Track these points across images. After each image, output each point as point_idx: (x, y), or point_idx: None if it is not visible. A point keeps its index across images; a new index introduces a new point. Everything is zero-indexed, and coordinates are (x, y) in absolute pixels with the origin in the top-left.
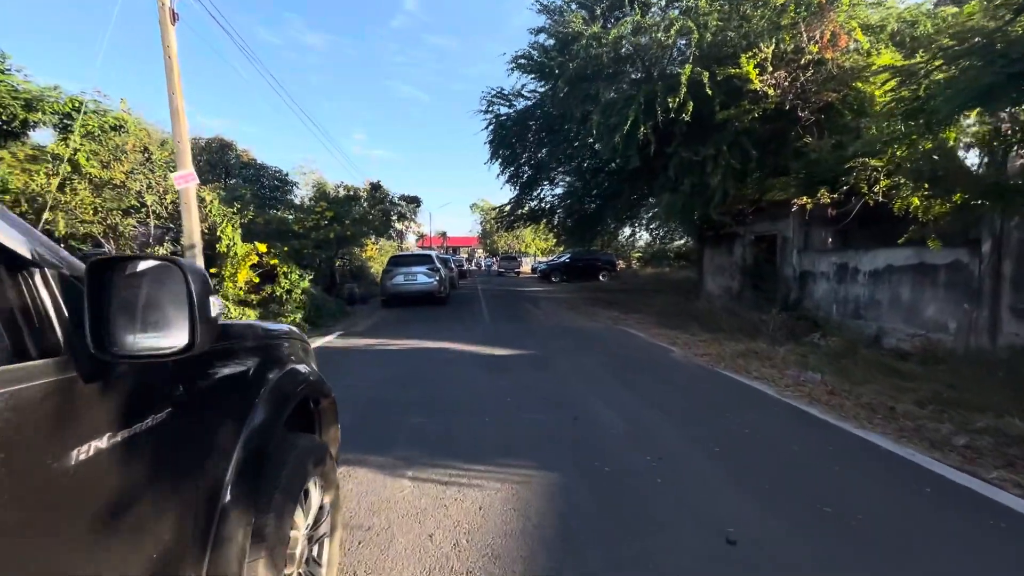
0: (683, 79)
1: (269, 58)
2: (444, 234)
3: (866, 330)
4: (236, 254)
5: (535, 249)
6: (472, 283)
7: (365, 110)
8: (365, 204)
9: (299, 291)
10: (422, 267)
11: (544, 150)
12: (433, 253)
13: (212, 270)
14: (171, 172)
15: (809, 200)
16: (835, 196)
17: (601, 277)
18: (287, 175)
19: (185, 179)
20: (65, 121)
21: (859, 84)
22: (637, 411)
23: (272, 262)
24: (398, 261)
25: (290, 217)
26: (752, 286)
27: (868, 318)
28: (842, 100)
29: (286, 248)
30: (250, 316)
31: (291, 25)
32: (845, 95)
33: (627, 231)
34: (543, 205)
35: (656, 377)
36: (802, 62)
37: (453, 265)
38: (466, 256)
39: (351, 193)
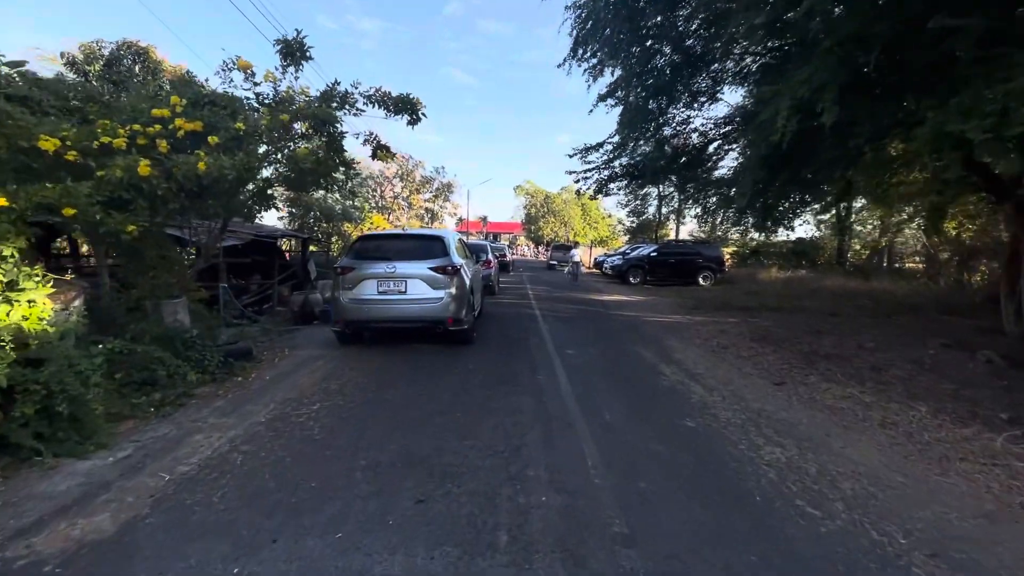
0: None
1: (326, 43)
2: (485, 218)
3: None
4: None
5: (590, 238)
6: (518, 279)
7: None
8: (298, 120)
9: None
10: (419, 264)
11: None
12: (448, 235)
13: None
14: None
15: None
16: None
17: (702, 280)
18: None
19: None
20: None
21: None
22: None
23: None
24: (368, 248)
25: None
26: None
27: None
28: None
29: (2, 201)
30: None
31: (348, 10)
32: None
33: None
34: (687, 143)
35: None
36: None
37: (492, 256)
38: (507, 243)
39: (265, 91)
